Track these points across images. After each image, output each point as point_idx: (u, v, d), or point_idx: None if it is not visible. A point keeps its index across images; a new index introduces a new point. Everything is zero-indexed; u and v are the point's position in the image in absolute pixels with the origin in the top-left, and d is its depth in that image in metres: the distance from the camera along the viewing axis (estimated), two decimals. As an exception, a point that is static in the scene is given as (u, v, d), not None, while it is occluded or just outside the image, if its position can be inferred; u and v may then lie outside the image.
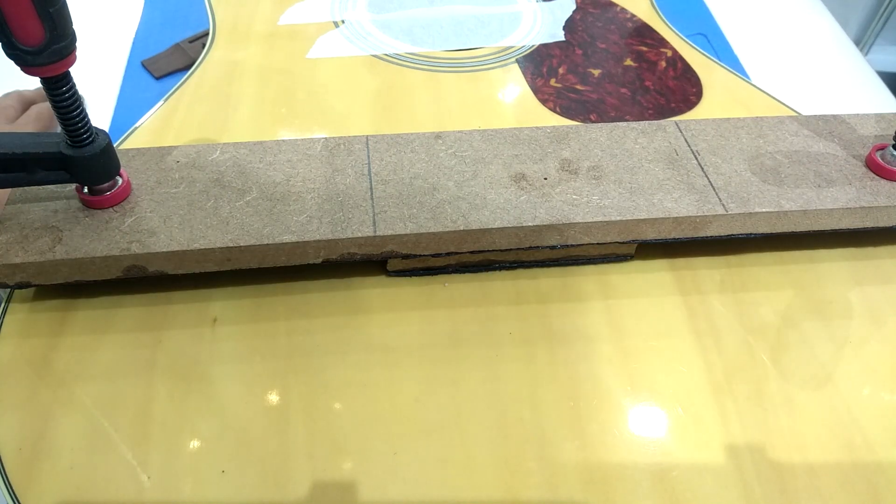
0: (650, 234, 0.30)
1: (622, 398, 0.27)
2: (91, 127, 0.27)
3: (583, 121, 0.39)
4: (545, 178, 0.31)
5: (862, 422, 0.27)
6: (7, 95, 0.39)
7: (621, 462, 0.25)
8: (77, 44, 0.24)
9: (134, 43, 0.48)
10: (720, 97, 0.41)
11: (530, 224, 0.29)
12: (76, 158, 0.27)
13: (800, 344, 0.29)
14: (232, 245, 0.28)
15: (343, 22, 0.46)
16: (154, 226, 0.28)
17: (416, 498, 0.24)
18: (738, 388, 0.28)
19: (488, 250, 0.30)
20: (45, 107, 0.39)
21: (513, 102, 0.40)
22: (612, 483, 0.25)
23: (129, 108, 0.43)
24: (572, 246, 0.30)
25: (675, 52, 0.45)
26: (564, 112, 0.40)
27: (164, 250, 0.27)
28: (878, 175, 0.32)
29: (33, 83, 0.34)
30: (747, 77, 0.44)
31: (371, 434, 0.26)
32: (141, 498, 0.24)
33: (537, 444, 0.26)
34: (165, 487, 0.24)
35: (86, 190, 0.29)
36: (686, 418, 0.27)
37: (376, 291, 0.30)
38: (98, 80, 0.45)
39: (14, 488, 0.24)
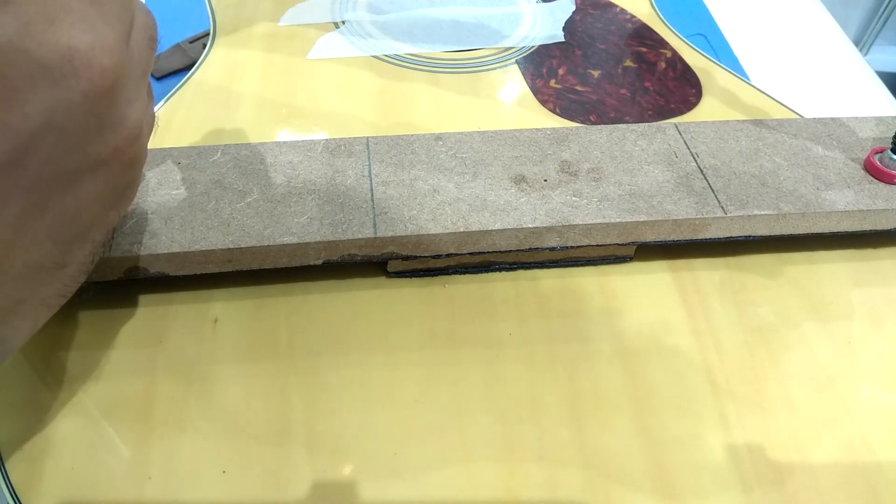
0: (650, 236, 0.31)
1: (622, 398, 0.27)
2: None
3: (582, 122, 0.39)
4: (545, 180, 0.31)
5: (862, 422, 0.27)
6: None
7: (621, 462, 0.26)
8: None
9: (134, 44, 0.48)
10: (720, 98, 0.41)
11: (530, 226, 0.29)
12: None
13: (799, 344, 0.29)
14: (233, 247, 0.28)
15: (344, 23, 0.46)
16: (155, 227, 0.28)
17: (416, 498, 0.25)
18: (738, 388, 0.28)
19: (488, 252, 0.30)
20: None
21: (513, 103, 0.41)
22: (612, 483, 0.25)
23: (130, 109, 0.43)
24: (572, 247, 0.30)
25: (674, 52, 0.45)
26: (564, 113, 0.40)
27: (166, 252, 0.27)
28: (876, 178, 0.33)
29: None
30: (747, 78, 0.44)
31: (371, 434, 0.26)
32: (141, 498, 0.24)
33: (537, 444, 0.26)
34: (166, 487, 0.24)
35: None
36: (686, 418, 0.27)
37: (376, 292, 0.30)
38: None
39: (15, 488, 0.24)
